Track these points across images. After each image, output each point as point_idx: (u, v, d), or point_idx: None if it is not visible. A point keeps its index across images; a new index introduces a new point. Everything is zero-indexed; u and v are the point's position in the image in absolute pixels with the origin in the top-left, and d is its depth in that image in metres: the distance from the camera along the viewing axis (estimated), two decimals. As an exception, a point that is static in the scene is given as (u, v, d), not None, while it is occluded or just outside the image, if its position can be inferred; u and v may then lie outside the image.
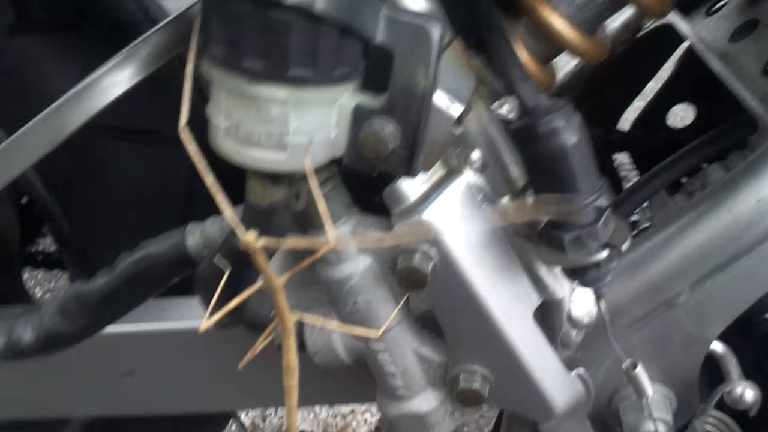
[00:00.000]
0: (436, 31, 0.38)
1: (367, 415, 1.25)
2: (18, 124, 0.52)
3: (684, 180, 0.77)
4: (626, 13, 0.82)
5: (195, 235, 0.51)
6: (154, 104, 0.68)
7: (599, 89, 0.84)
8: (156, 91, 0.64)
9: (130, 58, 0.50)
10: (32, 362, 0.57)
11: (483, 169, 0.48)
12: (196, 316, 0.62)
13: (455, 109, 0.42)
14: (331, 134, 0.41)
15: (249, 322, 0.51)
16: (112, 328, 0.59)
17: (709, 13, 0.74)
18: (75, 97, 0.50)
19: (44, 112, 0.51)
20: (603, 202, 0.44)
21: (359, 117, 0.40)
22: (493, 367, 0.52)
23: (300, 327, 0.53)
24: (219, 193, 0.38)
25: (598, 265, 0.45)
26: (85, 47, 0.67)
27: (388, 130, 0.40)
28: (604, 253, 0.44)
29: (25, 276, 1.18)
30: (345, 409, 1.25)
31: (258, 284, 0.41)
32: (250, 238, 0.36)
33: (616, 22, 0.82)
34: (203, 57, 0.40)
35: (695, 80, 0.82)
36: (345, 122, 0.40)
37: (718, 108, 0.75)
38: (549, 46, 0.53)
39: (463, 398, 0.52)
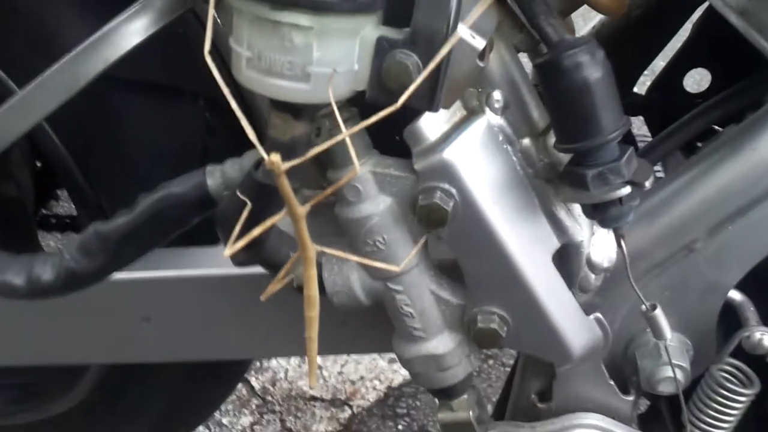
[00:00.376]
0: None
1: (376, 381, 1.26)
2: (33, 75, 0.52)
3: (699, 145, 0.77)
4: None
5: (215, 176, 0.51)
6: (169, 60, 0.68)
7: (616, 51, 0.83)
8: (172, 46, 0.64)
9: (146, 8, 0.50)
10: (50, 306, 0.57)
11: (504, 110, 0.48)
12: (212, 264, 0.63)
13: (479, 42, 0.41)
14: (354, 66, 0.41)
15: (268, 260, 0.51)
16: (128, 274, 0.60)
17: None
18: (91, 46, 0.51)
19: (60, 62, 0.51)
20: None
21: (382, 49, 0.40)
22: (511, 309, 0.52)
23: (318, 269, 0.53)
24: (244, 118, 0.38)
25: (620, 202, 0.45)
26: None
27: (411, 60, 0.40)
28: (627, 189, 0.44)
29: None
30: (354, 375, 1.26)
31: (280, 214, 0.41)
32: (275, 159, 0.36)
33: (633, -19, 0.82)
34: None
35: (711, 45, 0.81)
36: (368, 54, 0.40)
37: (734, 73, 0.74)
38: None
39: (480, 338, 0.52)
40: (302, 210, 0.39)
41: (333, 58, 0.39)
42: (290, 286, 0.51)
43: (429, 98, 0.41)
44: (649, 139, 0.88)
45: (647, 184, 0.45)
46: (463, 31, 0.41)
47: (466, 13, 0.41)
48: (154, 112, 0.72)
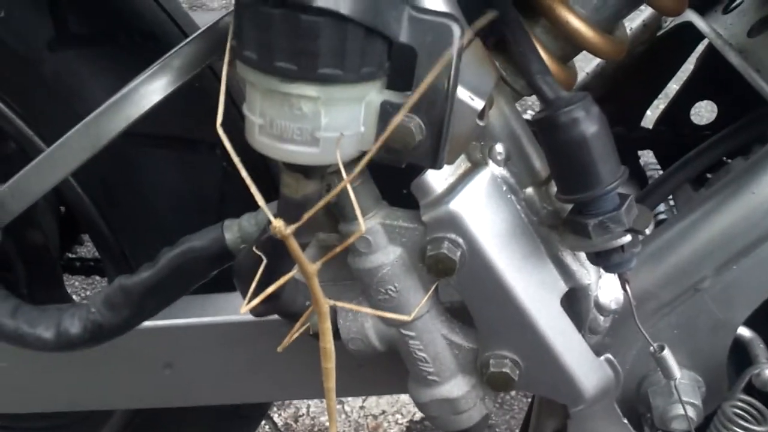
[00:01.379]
0: (457, 30, 0.40)
1: (398, 416, 1.26)
2: (59, 134, 0.55)
3: (709, 176, 0.78)
4: (645, 13, 0.84)
5: (233, 230, 0.54)
6: (187, 113, 0.71)
7: (621, 88, 0.85)
8: (189, 100, 0.67)
9: (165, 68, 0.53)
10: (77, 355, 0.60)
11: (506, 161, 0.50)
12: (231, 311, 0.65)
13: (478, 104, 0.43)
14: (360, 129, 0.43)
15: (284, 311, 0.53)
16: (150, 322, 0.62)
17: (726, 11, 0.75)
18: (113, 106, 0.53)
19: (84, 121, 0.54)
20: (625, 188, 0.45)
21: (386, 112, 0.42)
22: (523, 353, 0.53)
23: (334, 316, 0.55)
24: (253, 185, 0.40)
25: (622, 249, 0.46)
26: (121, 59, 0.70)
27: (414, 123, 0.42)
28: (628, 237, 0.45)
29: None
30: (376, 409, 1.27)
31: (293, 271, 0.43)
32: (278, 224, 0.38)
33: (635, 21, 0.84)
34: (238, 60, 0.42)
35: (716, 77, 0.82)
36: (373, 118, 0.43)
37: (740, 104, 0.76)
38: (567, 45, 0.54)
39: (493, 382, 0.53)
40: (314, 268, 0.41)
41: (340, 123, 0.42)
42: (307, 333, 0.53)
43: (433, 157, 0.43)
44: (659, 170, 0.89)
45: (647, 231, 0.46)
46: (463, 93, 0.43)
47: (465, 75, 0.44)
48: (173, 163, 0.75)
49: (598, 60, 0.86)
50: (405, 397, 1.27)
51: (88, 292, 1.50)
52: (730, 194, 0.53)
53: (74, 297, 1.49)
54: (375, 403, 1.27)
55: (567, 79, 0.57)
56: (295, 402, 1.26)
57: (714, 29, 0.74)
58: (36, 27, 0.66)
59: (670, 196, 0.79)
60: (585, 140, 0.44)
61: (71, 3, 0.67)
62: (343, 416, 1.25)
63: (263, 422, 1.21)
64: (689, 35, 0.79)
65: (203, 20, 0.60)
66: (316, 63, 0.39)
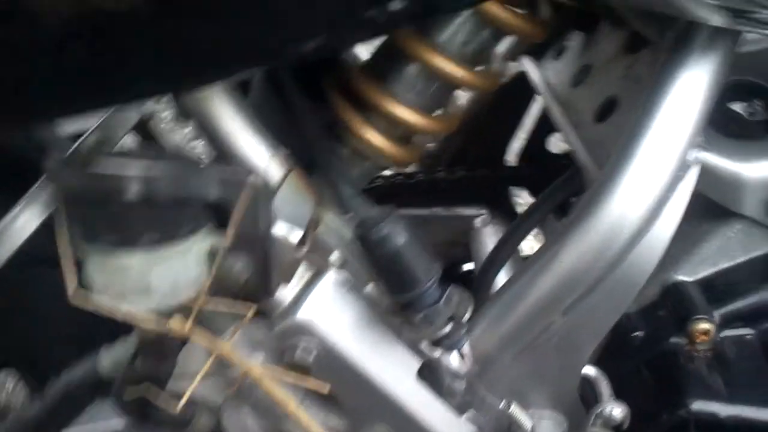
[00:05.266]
0: (260, 181, 0.45)
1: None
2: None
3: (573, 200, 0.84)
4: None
5: (107, 359, 0.58)
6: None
7: (480, 134, 0.91)
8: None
9: (36, 198, 0.56)
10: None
11: (344, 265, 0.55)
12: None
13: (295, 236, 0.49)
14: (192, 274, 0.47)
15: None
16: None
17: (558, 57, 0.80)
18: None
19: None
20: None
21: (213, 257, 0.47)
22: (392, 425, 0.59)
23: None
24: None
25: (449, 334, 0.52)
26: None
27: (237, 266, 0.47)
28: (449, 327, 0.51)
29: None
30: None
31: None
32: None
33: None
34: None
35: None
36: (202, 262, 0.47)
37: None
38: (404, 128, 0.60)
39: (368, 457, 0.59)
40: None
41: (170, 276, 0.46)
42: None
43: (263, 290, 0.48)
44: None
45: (467, 315, 0.52)
46: (280, 228, 0.48)
47: (283, 210, 0.49)
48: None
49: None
50: None
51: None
52: (539, 269, 0.58)
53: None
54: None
55: (407, 156, 0.63)
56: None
57: (544, 77, 0.79)
58: None
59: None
60: (396, 252, 0.49)
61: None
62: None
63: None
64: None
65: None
66: (135, 234, 0.44)
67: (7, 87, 0.39)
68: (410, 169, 0.95)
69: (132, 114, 0.64)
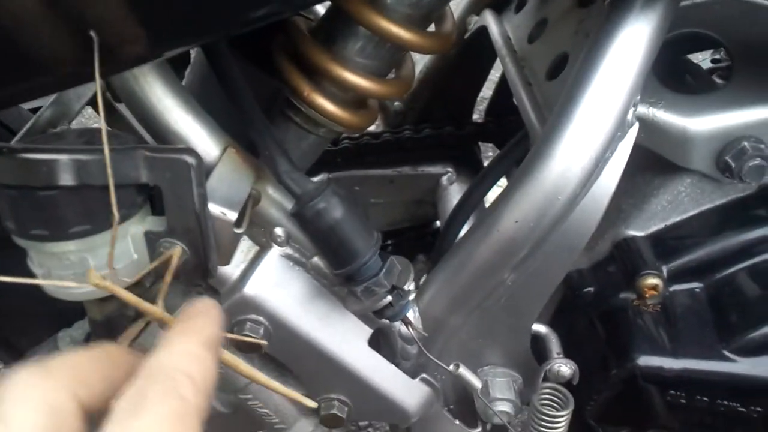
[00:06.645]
0: (191, 160, 0.45)
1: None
2: None
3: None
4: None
5: (65, 341, 0.59)
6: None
7: (446, 89, 0.90)
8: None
9: None
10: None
11: (288, 240, 0.56)
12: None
13: (231, 215, 0.49)
14: (133, 257, 0.48)
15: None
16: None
17: (518, 10, 0.78)
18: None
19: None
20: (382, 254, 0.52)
21: (151, 240, 0.48)
22: (346, 392, 0.61)
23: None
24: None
25: (391, 304, 0.53)
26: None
27: (176, 248, 0.47)
28: (389, 297, 0.52)
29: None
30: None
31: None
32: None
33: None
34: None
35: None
36: (142, 246, 0.48)
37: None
38: (355, 93, 0.60)
39: (326, 423, 0.61)
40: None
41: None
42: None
43: (202, 271, 0.49)
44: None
45: (408, 286, 0.53)
46: (215, 209, 0.49)
47: (218, 191, 0.49)
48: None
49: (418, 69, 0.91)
50: None
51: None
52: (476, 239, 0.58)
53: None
54: None
55: (361, 121, 0.63)
56: None
57: (505, 32, 0.78)
58: None
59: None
60: (333, 226, 0.50)
61: None
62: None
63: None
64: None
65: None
66: (65, 225, 0.44)
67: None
68: (377, 128, 0.95)
69: (86, 88, 0.63)
